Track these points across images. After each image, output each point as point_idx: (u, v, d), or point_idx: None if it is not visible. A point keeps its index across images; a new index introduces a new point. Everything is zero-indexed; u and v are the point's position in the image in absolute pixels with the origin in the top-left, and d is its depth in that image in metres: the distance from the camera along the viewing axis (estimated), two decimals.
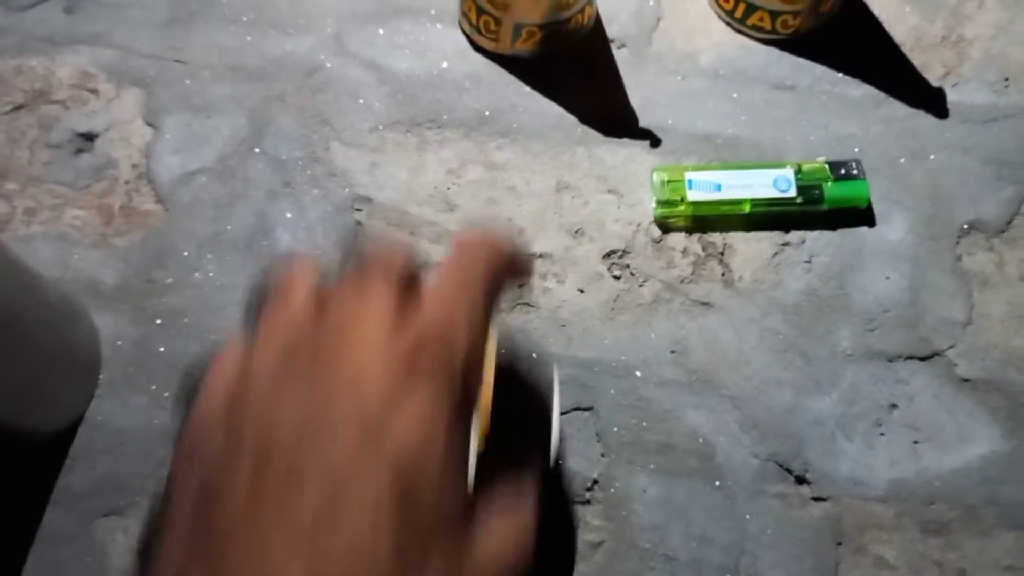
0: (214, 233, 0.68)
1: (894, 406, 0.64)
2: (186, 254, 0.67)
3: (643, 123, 0.73)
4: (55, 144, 0.70)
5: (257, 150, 0.71)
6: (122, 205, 0.68)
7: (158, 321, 0.65)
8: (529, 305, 0.67)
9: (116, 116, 0.71)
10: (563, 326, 0.66)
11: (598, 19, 0.77)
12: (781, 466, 0.62)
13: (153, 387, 0.63)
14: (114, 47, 0.74)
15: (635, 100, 0.74)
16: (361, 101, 0.73)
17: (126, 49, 0.74)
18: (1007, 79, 0.76)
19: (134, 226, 0.68)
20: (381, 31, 0.76)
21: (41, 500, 0.59)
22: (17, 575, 0.58)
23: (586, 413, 0.64)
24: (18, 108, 0.71)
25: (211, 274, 0.66)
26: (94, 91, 0.72)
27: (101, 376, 0.63)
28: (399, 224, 0.69)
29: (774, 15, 0.74)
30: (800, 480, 0.62)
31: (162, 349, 0.64)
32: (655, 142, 0.72)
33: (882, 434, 0.63)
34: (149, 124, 0.71)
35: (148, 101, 0.72)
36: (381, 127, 0.72)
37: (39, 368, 0.56)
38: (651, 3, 0.78)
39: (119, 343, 0.64)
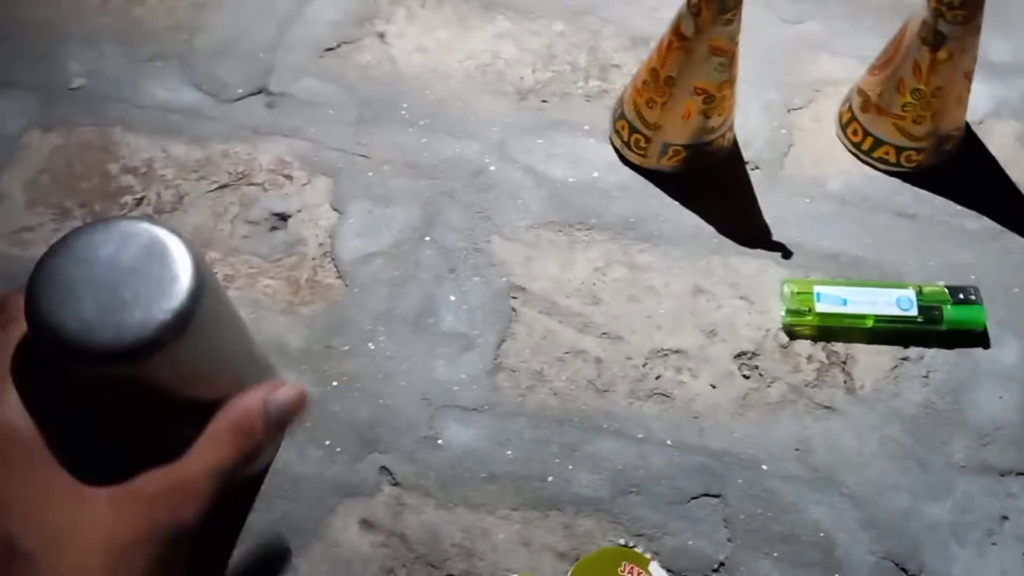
0: (387, 309, 0.76)
1: (1005, 518, 0.68)
2: (362, 326, 0.75)
3: (774, 238, 0.80)
4: (253, 220, 0.80)
5: (427, 238, 0.80)
6: (308, 278, 0.77)
7: (334, 383, 0.73)
8: (665, 396, 0.73)
9: (307, 200, 0.81)
10: (695, 417, 0.73)
11: (736, 143, 0.85)
12: (897, 565, 0.67)
13: (327, 442, 0.71)
14: (308, 140, 0.84)
15: (767, 217, 0.82)
16: (520, 201, 0.82)
17: (318, 142, 0.84)
18: None
19: (317, 297, 0.77)
20: (540, 141, 0.85)
21: (233, 535, 0.67)
22: None
23: (714, 500, 0.69)
24: (223, 187, 0.82)
25: (383, 345, 0.75)
26: (289, 177, 0.82)
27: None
28: (549, 312, 0.76)
29: (899, 150, 0.82)
30: None
31: (336, 408, 0.72)
32: (787, 254, 0.79)
33: (993, 544, 0.67)
34: (335, 209, 0.81)
35: (335, 189, 0.82)
36: (536, 225, 0.81)
37: None
38: (783, 132, 0.86)
39: None
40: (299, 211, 0.81)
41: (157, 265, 0.41)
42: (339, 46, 0.90)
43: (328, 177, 0.82)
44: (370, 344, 0.75)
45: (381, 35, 0.91)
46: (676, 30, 0.74)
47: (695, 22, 0.72)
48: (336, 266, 0.78)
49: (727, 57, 0.74)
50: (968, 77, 0.78)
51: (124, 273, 0.40)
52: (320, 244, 0.79)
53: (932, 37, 0.74)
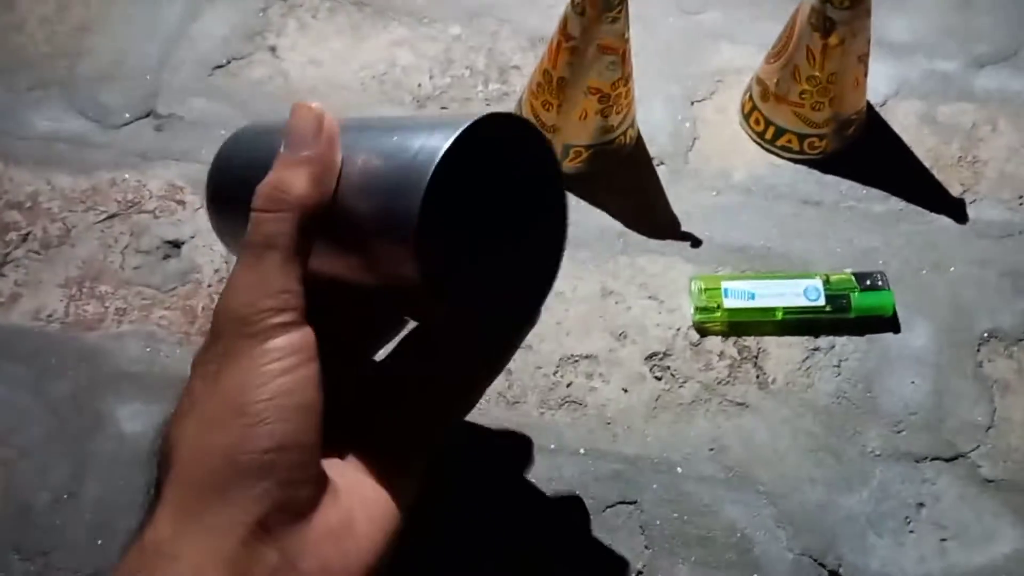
0: None
1: (921, 505, 0.68)
2: None
3: (682, 234, 0.79)
4: (145, 250, 0.77)
5: None
6: (204, 306, 0.75)
7: None
8: (577, 403, 0.72)
9: (201, 225, 0.78)
10: (608, 423, 0.71)
11: (640, 139, 0.84)
12: (815, 560, 0.66)
13: None
14: (200, 162, 0.81)
15: (674, 213, 0.80)
16: None
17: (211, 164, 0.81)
18: (1021, 197, 0.81)
19: None
20: None
21: None
22: None
23: (630, 506, 0.68)
24: (111, 217, 0.79)
25: None
26: (181, 202, 0.79)
27: None
28: None
29: (801, 137, 0.81)
30: (833, 574, 0.65)
31: None
32: (696, 243, 0.78)
33: (911, 531, 0.67)
34: None
35: None
36: None
37: None
38: (687, 125, 0.85)
39: None
40: (192, 237, 0.78)
41: None
42: (229, 63, 0.87)
43: None
44: None
45: (272, 49, 0.88)
46: (563, 30, 0.72)
47: (581, 22, 0.70)
48: None
49: (618, 55, 0.72)
50: (863, 61, 0.77)
51: None
52: (216, 270, 0.76)
53: (822, 23, 0.73)
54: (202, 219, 0.79)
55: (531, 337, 0.74)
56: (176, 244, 0.77)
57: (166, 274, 0.76)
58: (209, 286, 0.76)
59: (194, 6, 0.90)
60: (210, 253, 0.77)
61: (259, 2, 0.90)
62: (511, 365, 0.73)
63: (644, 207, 0.81)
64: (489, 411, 0.71)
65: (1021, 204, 0.81)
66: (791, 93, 0.78)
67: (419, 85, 0.87)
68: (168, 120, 0.84)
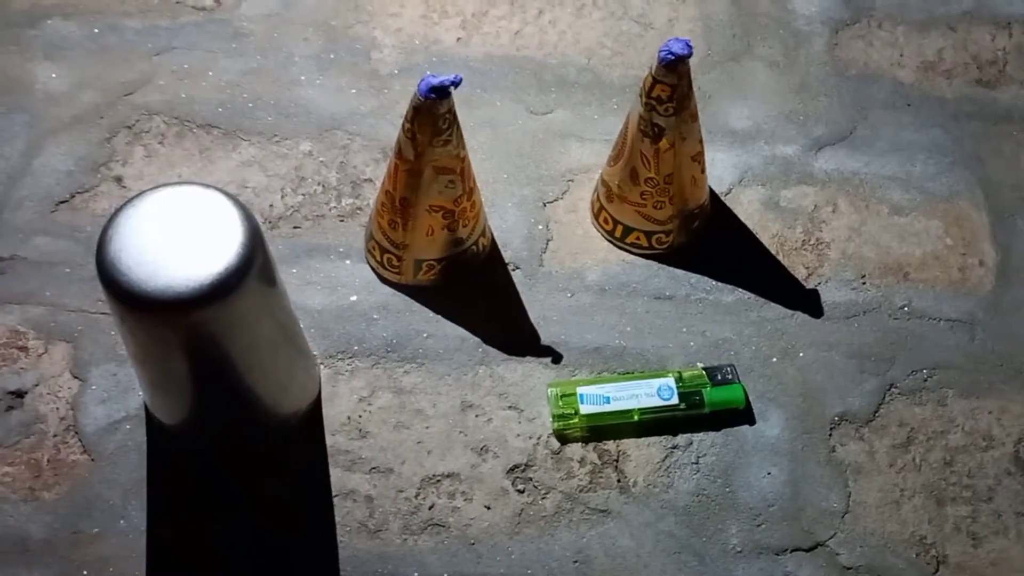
0: (138, 479, 0.72)
1: None
2: (111, 502, 0.71)
3: (539, 339, 0.80)
4: None
5: None
6: (50, 458, 0.72)
7: (84, 573, 0.68)
8: (440, 525, 0.71)
9: (45, 371, 0.76)
10: (472, 544, 0.70)
11: (494, 244, 0.85)
12: None
13: None
14: (43, 304, 0.79)
15: (531, 318, 0.81)
16: None
17: (55, 306, 0.79)
18: (863, 276, 0.84)
19: (62, 477, 0.72)
20: (294, 271, 0.82)
21: None
22: None
23: None
24: None
25: (135, 520, 0.70)
26: (23, 348, 0.77)
27: None
28: (312, 454, 0.73)
29: (649, 234, 0.83)
30: None
31: None
32: (556, 359, 0.79)
33: None
34: (76, 376, 0.76)
35: (75, 354, 0.77)
36: None
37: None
38: (540, 227, 0.86)
39: None
40: (36, 385, 0.75)
41: (217, 227, 0.53)
42: (73, 197, 0.85)
43: (67, 343, 0.78)
44: (122, 521, 0.70)
45: (119, 179, 0.87)
46: (399, 154, 0.73)
47: (413, 146, 0.71)
48: (80, 440, 0.73)
49: (455, 174, 0.73)
50: (697, 159, 0.79)
51: (186, 231, 0.51)
52: (61, 418, 0.74)
53: (651, 130, 0.75)
54: (46, 365, 0.76)
55: (391, 459, 0.74)
56: (19, 394, 0.75)
57: (8, 427, 0.74)
58: (54, 436, 0.73)
59: (36, 140, 0.88)
60: (55, 401, 0.75)
61: (103, 131, 0.89)
62: (372, 492, 0.72)
63: (501, 315, 0.81)
64: (350, 544, 0.70)
65: (864, 283, 0.84)
66: (632, 194, 0.80)
67: (271, 206, 0.86)
68: (9, 262, 0.81)
